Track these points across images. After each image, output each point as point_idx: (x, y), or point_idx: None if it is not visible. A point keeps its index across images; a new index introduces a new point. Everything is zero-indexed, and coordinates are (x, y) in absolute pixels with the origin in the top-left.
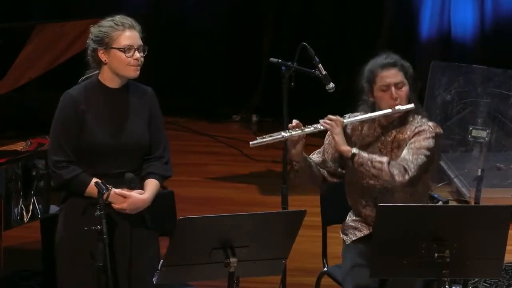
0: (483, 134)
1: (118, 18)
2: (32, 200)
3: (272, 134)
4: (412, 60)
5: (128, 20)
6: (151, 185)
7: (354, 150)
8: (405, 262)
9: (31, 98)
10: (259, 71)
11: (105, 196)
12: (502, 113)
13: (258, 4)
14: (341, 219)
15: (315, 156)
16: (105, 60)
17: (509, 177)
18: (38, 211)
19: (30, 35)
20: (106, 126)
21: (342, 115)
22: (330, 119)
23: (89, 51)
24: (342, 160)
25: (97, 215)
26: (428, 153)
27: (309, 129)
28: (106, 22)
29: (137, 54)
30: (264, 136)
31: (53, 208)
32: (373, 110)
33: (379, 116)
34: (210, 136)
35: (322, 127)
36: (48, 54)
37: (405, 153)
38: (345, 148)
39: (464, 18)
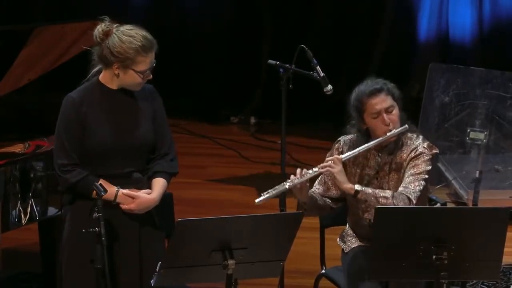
0: (481, 136)
1: (144, 40)
2: (30, 202)
3: (275, 187)
4: (411, 62)
5: (152, 42)
6: (159, 184)
7: (357, 187)
8: (404, 264)
9: (30, 100)
10: (258, 73)
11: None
12: (500, 115)
13: (257, 7)
14: (339, 222)
15: (317, 187)
16: (118, 74)
17: (507, 179)
18: (36, 213)
19: (30, 37)
20: (109, 126)
21: (339, 119)
22: (328, 160)
23: (104, 51)
24: None
25: (95, 217)
26: (426, 176)
27: (310, 174)
28: (134, 40)
29: (150, 75)
30: (268, 191)
31: (52, 210)
32: (368, 136)
33: (375, 144)
34: (209, 138)
35: (322, 170)
36: (48, 56)
37: (406, 182)
38: (347, 186)
39: (463, 20)
